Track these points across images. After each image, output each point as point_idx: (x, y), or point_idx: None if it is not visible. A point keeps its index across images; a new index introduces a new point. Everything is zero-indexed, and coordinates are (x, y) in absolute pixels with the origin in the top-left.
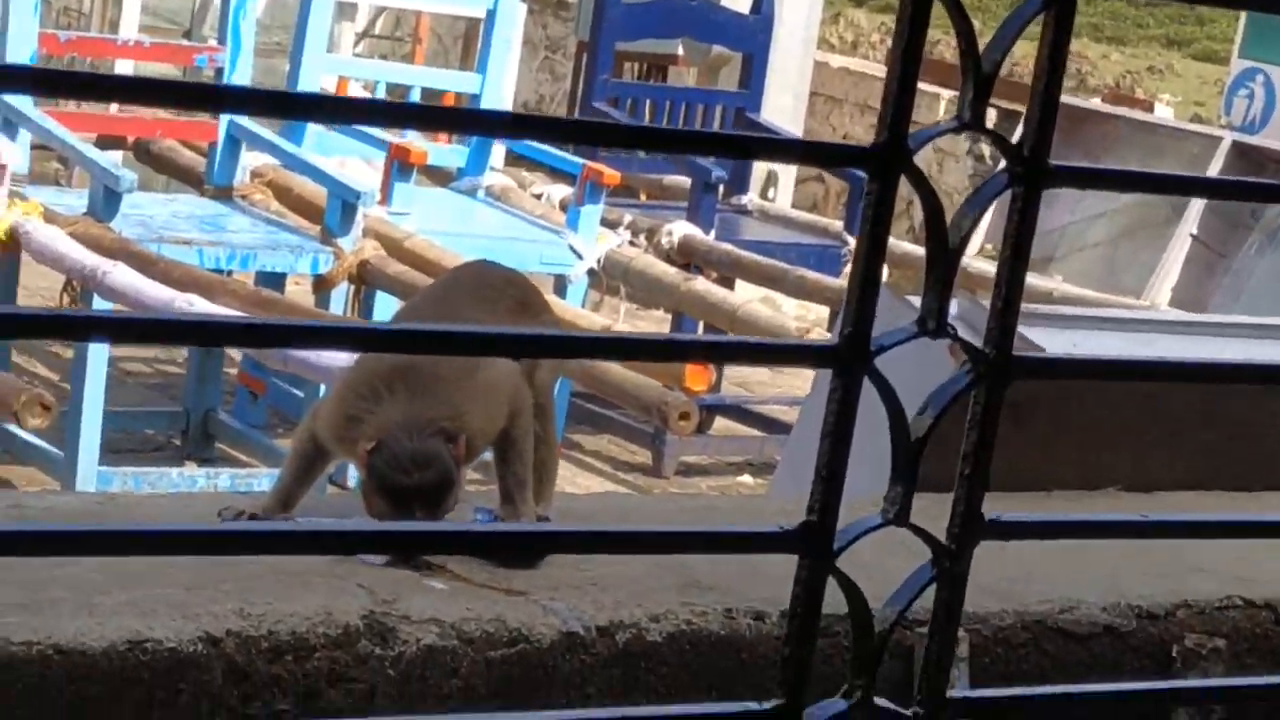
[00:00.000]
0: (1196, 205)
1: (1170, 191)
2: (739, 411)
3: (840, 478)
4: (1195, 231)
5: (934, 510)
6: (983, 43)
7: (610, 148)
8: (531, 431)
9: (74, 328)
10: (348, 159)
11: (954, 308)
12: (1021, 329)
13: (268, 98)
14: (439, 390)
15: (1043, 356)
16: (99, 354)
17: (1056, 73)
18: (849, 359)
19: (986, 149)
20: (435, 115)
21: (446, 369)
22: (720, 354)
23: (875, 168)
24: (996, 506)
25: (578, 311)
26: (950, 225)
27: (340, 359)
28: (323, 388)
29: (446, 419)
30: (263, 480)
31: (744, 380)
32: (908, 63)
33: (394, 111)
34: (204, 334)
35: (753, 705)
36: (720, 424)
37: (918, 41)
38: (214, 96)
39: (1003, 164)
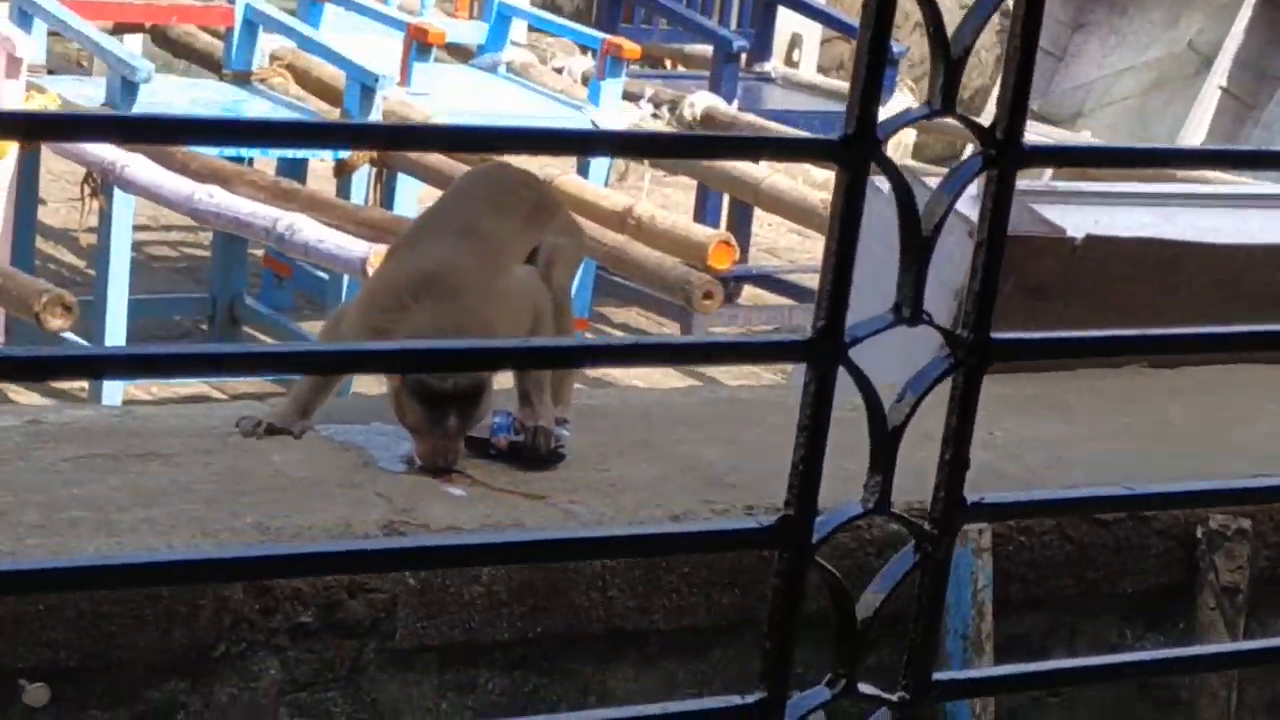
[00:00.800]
0: (1225, 57)
1: (1152, 165)
2: (767, 280)
3: (817, 471)
4: (1224, 84)
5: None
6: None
7: (629, 20)
8: (550, 335)
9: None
10: (370, 37)
11: (975, 188)
12: (1041, 208)
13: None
14: (463, 298)
15: (1021, 337)
16: (123, 240)
17: (1029, 53)
18: (823, 353)
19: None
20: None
21: (469, 277)
22: (693, 356)
23: (845, 159)
24: (1020, 386)
25: (598, 191)
26: (924, 213)
27: (359, 249)
28: (345, 277)
29: (474, 325)
30: None
31: (772, 247)
32: (874, 53)
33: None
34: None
35: (735, 699)
36: (749, 293)
37: (884, 32)
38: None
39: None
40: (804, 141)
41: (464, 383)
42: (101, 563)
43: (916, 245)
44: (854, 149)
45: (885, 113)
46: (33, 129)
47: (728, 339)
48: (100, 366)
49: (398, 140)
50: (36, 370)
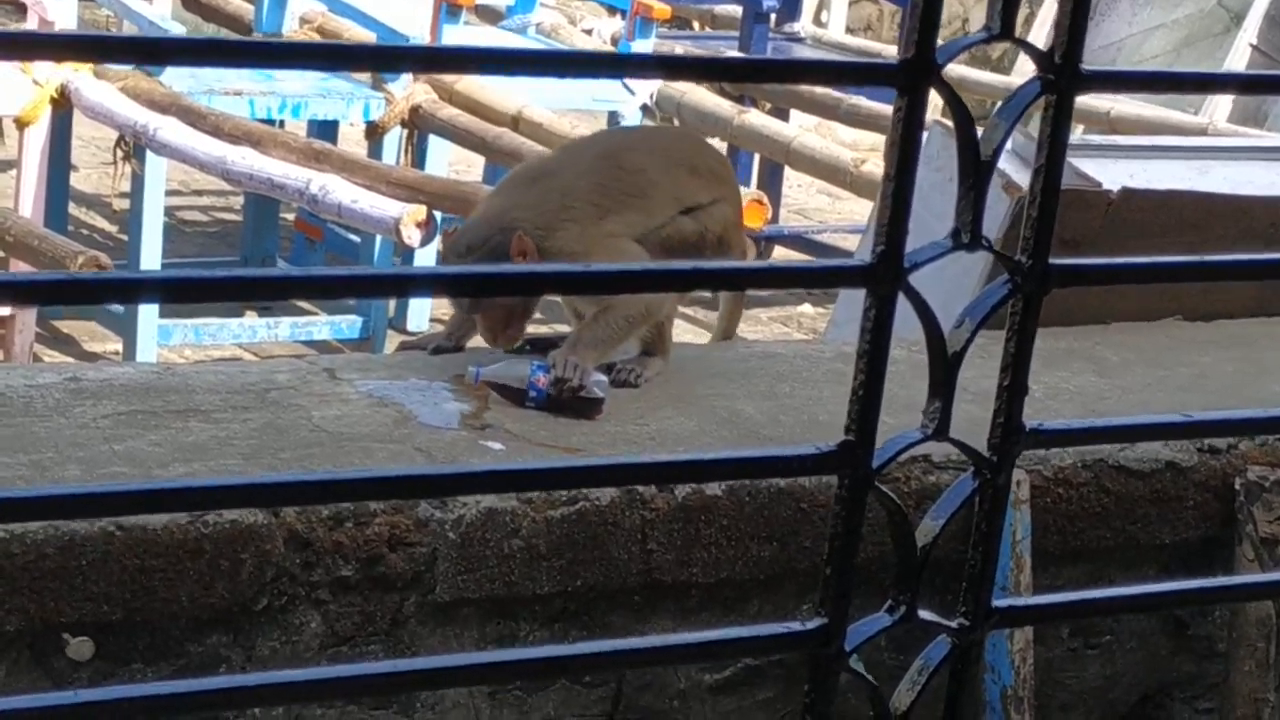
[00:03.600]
0: (1255, 14)
1: (1204, 91)
2: (799, 240)
3: (877, 396)
4: (1255, 41)
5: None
6: None
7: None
8: (633, 315)
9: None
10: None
11: (1008, 141)
12: (1076, 162)
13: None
14: (548, 200)
15: (1080, 262)
16: (155, 204)
17: None
18: (883, 279)
19: None
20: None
21: (577, 190)
22: (754, 280)
23: (903, 83)
24: (1055, 340)
25: None
26: (982, 138)
27: (392, 210)
28: (377, 239)
29: (526, 221)
30: (323, 328)
31: (802, 208)
32: None
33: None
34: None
35: (795, 625)
36: (780, 253)
37: None
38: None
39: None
40: (861, 66)
41: (474, 258)
42: (152, 487)
43: (975, 170)
44: (912, 73)
45: None
46: (69, 48)
47: (787, 264)
48: (137, 290)
49: (432, 63)
50: (80, 293)
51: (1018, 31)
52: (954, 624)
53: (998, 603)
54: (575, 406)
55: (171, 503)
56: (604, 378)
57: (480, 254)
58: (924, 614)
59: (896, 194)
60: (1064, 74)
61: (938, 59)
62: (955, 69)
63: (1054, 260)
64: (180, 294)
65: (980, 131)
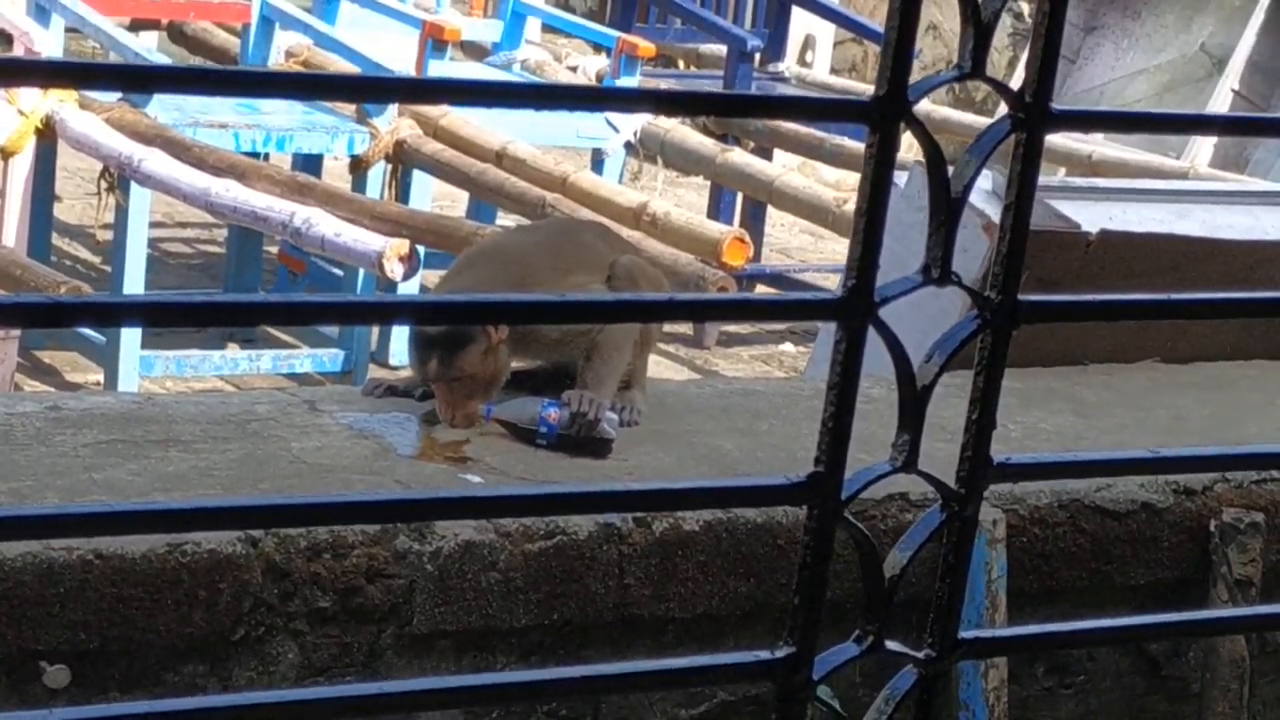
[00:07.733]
0: (1238, 60)
1: (1177, 131)
2: (780, 280)
3: (846, 428)
4: (1236, 86)
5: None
6: None
7: (644, 19)
8: (621, 344)
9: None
10: (385, 34)
11: (988, 182)
12: (1057, 204)
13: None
14: (509, 269)
15: (1049, 300)
16: (139, 236)
17: (1058, 17)
18: (853, 311)
19: (1026, 6)
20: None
21: (534, 257)
22: (729, 312)
23: (875, 120)
24: (1034, 381)
25: (613, 188)
26: (953, 175)
27: (375, 243)
28: (360, 273)
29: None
30: (304, 361)
31: (784, 247)
32: (906, 13)
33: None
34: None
35: (764, 654)
36: (761, 292)
37: None
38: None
39: (1004, 109)
40: (835, 102)
41: (443, 330)
42: (130, 509)
43: (946, 206)
44: (885, 109)
45: None
46: (55, 73)
47: (762, 297)
48: (117, 314)
49: (420, 94)
50: (55, 316)
51: (1002, 75)
52: (921, 654)
53: (965, 634)
54: (587, 446)
55: (144, 525)
56: (615, 416)
57: (449, 330)
58: (891, 644)
59: (868, 228)
60: (1034, 112)
61: (910, 96)
62: (938, 110)
63: (1023, 296)
64: (159, 317)
65: (952, 169)
